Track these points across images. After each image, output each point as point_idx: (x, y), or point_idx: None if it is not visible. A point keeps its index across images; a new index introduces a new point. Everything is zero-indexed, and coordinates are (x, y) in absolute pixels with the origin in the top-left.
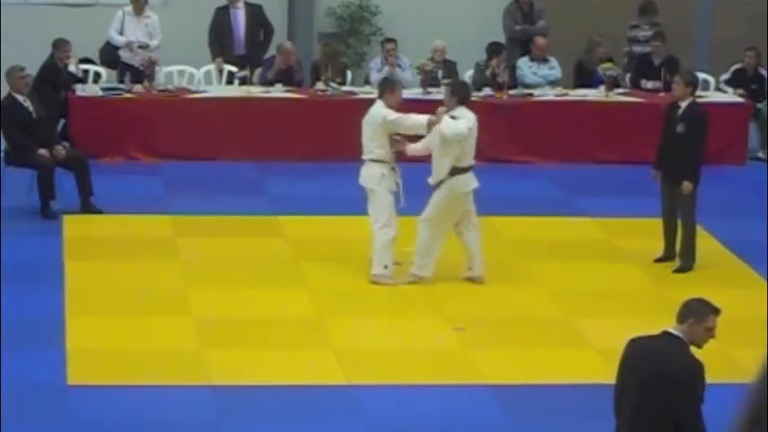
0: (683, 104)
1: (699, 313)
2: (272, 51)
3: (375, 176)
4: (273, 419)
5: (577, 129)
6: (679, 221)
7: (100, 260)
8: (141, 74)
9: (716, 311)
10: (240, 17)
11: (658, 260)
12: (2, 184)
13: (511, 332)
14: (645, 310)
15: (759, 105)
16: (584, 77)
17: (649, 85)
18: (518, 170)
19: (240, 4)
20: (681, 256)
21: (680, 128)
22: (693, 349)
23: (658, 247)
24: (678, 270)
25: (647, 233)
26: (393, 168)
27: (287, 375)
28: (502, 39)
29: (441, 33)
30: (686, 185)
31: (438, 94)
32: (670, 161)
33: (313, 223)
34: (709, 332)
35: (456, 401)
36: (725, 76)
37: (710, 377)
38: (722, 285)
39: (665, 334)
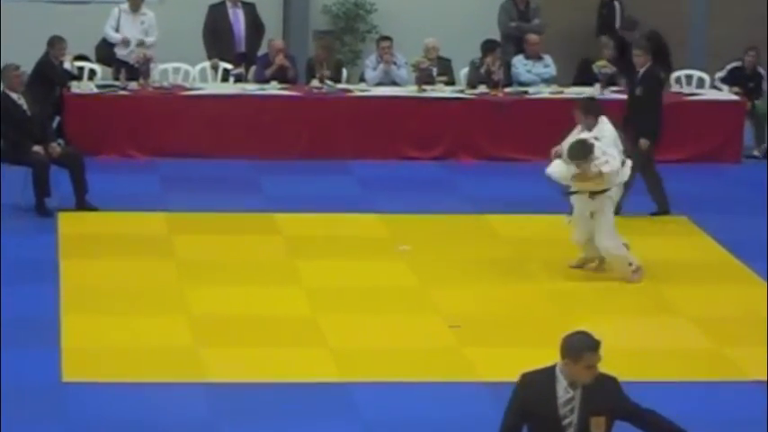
0: (642, 70)
1: (573, 352)
2: (263, 50)
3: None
4: (268, 417)
5: (573, 126)
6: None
7: (95, 258)
8: (137, 71)
9: (594, 348)
10: (240, 15)
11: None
12: None
13: (507, 330)
14: (641, 308)
15: (757, 102)
16: (586, 76)
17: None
18: (514, 168)
19: (239, 3)
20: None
21: (638, 91)
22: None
23: (654, 245)
24: (656, 213)
25: (643, 230)
26: None
27: (282, 373)
28: (497, 36)
29: (436, 31)
30: (644, 142)
31: (433, 91)
32: (632, 122)
33: (308, 221)
34: (589, 370)
35: (451, 399)
36: (721, 74)
37: (705, 375)
38: (718, 283)
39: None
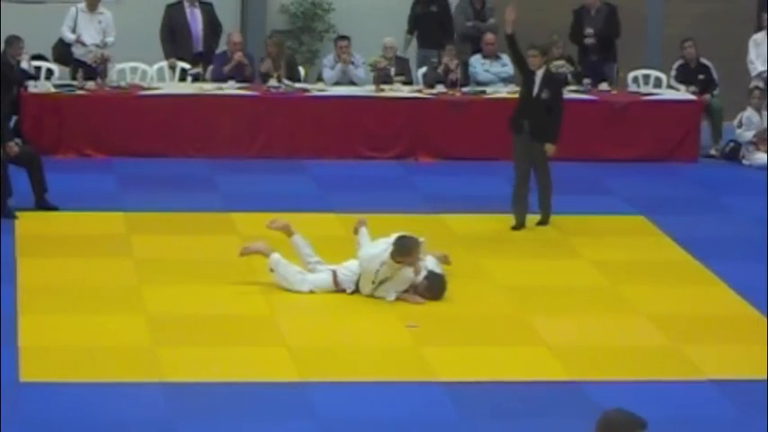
0: (540, 72)
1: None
2: (222, 47)
3: None
4: (226, 416)
5: None
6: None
7: (53, 257)
8: (94, 71)
9: (644, 426)
10: (198, 15)
11: (514, 228)
12: None
13: (463, 329)
14: (598, 307)
15: (713, 97)
16: None
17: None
18: (470, 167)
19: (197, 2)
20: (543, 210)
21: (544, 94)
22: None
23: (611, 244)
24: (541, 223)
25: (600, 230)
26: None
27: (240, 372)
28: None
29: (393, 30)
30: (549, 147)
31: (391, 91)
32: (532, 124)
33: (265, 220)
34: None
35: (409, 398)
36: (673, 74)
37: (662, 374)
38: (675, 282)
39: None
